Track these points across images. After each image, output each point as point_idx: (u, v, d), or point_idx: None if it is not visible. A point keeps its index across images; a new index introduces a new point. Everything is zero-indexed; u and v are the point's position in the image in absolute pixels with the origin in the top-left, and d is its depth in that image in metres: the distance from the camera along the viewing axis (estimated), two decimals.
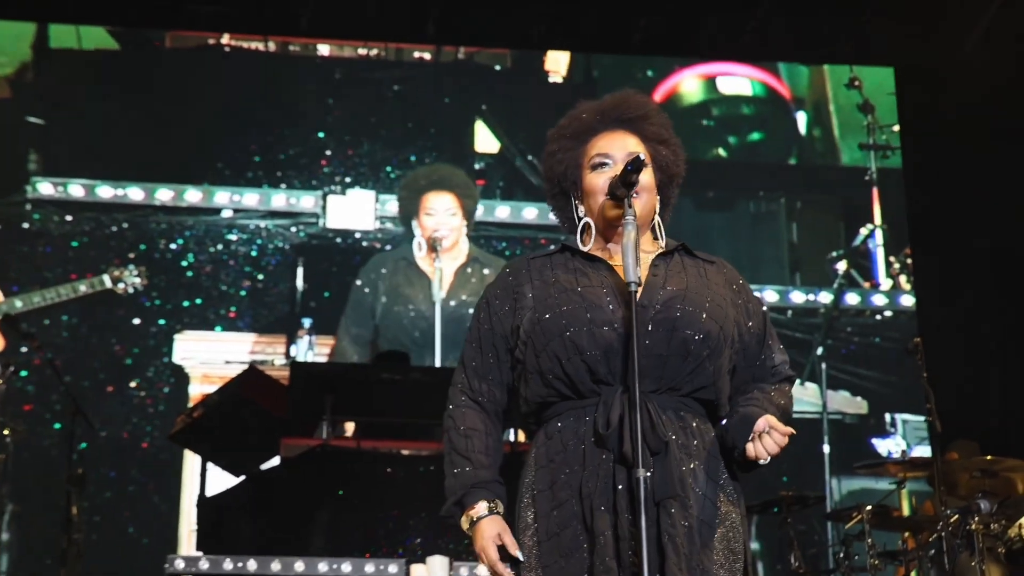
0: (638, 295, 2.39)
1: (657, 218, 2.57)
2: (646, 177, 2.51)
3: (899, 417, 8.26)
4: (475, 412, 2.55)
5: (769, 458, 2.42)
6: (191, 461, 7.50)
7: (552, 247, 2.62)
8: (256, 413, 5.39)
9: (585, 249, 2.55)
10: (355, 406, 5.40)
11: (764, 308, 2.63)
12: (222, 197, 8.17)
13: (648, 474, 2.29)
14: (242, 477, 5.79)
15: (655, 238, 2.58)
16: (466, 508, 2.47)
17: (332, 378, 5.30)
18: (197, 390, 7.80)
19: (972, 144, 8.41)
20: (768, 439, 2.40)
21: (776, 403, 2.52)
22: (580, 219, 2.57)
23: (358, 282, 8.06)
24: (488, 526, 2.44)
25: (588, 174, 2.56)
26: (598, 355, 2.40)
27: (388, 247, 8.23)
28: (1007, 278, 8.26)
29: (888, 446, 8.15)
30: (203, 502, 5.62)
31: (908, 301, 8.48)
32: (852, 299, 8.50)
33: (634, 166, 2.44)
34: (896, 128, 8.78)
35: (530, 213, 8.40)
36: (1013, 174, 8.34)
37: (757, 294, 2.68)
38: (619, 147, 2.55)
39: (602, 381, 2.41)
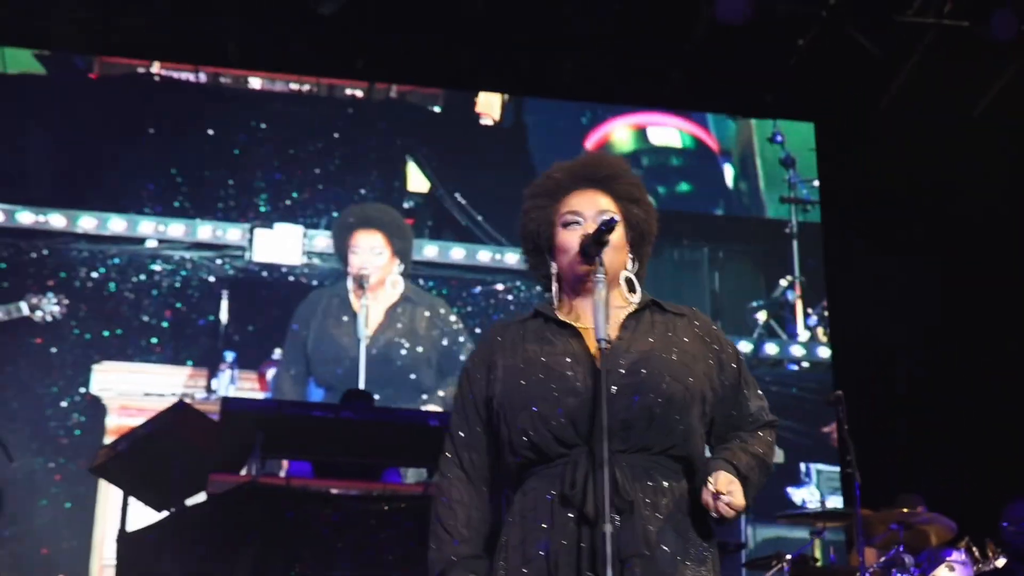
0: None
1: (628, 274, 2.62)
2: (615, 235, 2.57)
3: (813, 467, 8.41)
4: (462, 484, 2.59)
5: (720, 515, 2.44)
6: (105, 495, 7.36)
7: (525, 312, 2.69)
8: (185, 448, 5.30)
9: (555, 306, 2.62)
10: (286, 444, 5.35)
11: (740, 356, 2.67)
12: (147, 227, 8.07)
13: (612, 531, 2.32)
14: (165, 513, 5.69)
15: (631, 291, 2.62)
16: None
17: (263, 415, 5.24)
18: (114, 422, 7.65)
19: (888, 200, 8.66)
20: (720, 499, 2.43)
21: (753, 451, 2.56)
22: (552, 275, 2.64)
23: (294, 321, 8.00)
24: None
25: (560, 232, 2.62)
26: (564, 423, 2.45)
27: (315, 282, 8.19)
28: (921, 332, 8.49)
29: (802, 495, 8.29)
30: (123, 537, 5.48)
31: (825, 353, 8.66)
32: (771, 349, 8.66)
33: (607, 226, 2.50)
34: (816, 183, 9.00)
35: (458, 253, 8.44)
36: (927, 229, 8.61)
37: None
38: (589, 205, 2.62)
39: (570, 444, 2.46)
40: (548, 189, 2.67)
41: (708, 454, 2.62)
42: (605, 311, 2.43)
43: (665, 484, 2.48)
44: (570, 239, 2.59)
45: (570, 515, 2.42)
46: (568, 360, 2.50)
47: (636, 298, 2.62)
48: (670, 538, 2.44)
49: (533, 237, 2.68)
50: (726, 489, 2.43)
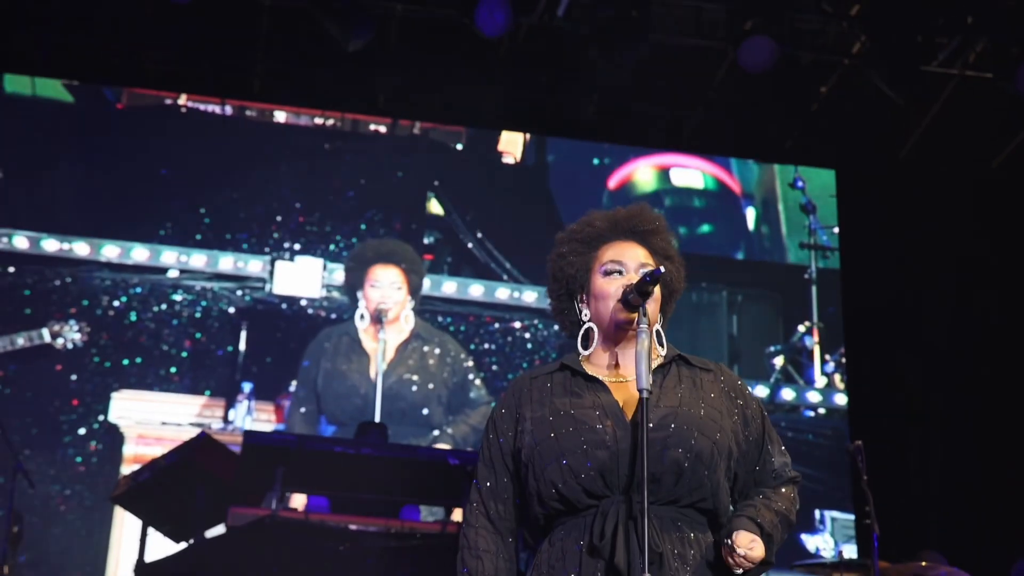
0: (631, 414, 2.49)
1: (659, 327, 2.65)
2: (656, 287, 2.59)
3: (827, 514, 8.38)
4: (489, 533, 2.60)
5: (741, 569, 2.47)
6: (120, 523, 7.36)
7: (552, 364, 2.69)
8: (205, 480, 5.32)
9: (586, 353, 2.64)
10: (306, 479, 5.37)
11: (764, 412, 2.69)
12: (169, 257, 8.12)
13: None
14: (183, 544, 5.70)
15: (659, 344, 2.64)
16: None
17: (284, 449, 5.25)
18: (131, 450, 7.68)
19: (907, 248, 8.67)
20: (735, 554, 2.46)
21: (775, 508, 2.57)
22: (583, 322, 2.65)
23: (305, 359, 8.02)
24: None
25: (599, 279, 2.64)
26: (593, 475, 2.47)
27: (333, 316, 8.22)
28: (938, 382, 8.48)
29: (816, 542, 8.25)
30: (141, 568, 5.50)
31: (841, 400, 8.65)
32: (787, 394, 8.65)
33: (652, 278, 2.52)
34: (836, 229, 9.01)
35: (476, 290, 8.47)
36: (945, 278, 8.62)
37: None
38: (631, 257, 2.65)
39: (599, 496, 2.48)
40: (588, 236, 2.69)
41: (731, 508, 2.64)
42: (648, 361, 2.46)
43: (692, 536, 2.49)
44: (610, 287, 2.61)
45: (599, 565, 2.43)
46: (597, 413, 2.52)
47: (663, 351, 2.65)
48: None
49: (567, 281, 2.69)
50: (746, 546, 2.45)
